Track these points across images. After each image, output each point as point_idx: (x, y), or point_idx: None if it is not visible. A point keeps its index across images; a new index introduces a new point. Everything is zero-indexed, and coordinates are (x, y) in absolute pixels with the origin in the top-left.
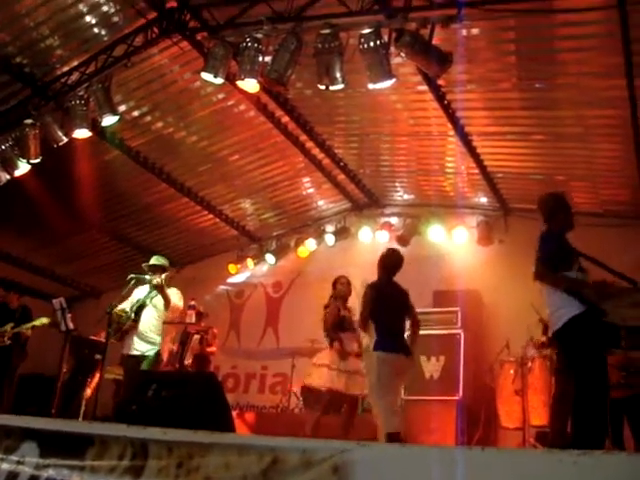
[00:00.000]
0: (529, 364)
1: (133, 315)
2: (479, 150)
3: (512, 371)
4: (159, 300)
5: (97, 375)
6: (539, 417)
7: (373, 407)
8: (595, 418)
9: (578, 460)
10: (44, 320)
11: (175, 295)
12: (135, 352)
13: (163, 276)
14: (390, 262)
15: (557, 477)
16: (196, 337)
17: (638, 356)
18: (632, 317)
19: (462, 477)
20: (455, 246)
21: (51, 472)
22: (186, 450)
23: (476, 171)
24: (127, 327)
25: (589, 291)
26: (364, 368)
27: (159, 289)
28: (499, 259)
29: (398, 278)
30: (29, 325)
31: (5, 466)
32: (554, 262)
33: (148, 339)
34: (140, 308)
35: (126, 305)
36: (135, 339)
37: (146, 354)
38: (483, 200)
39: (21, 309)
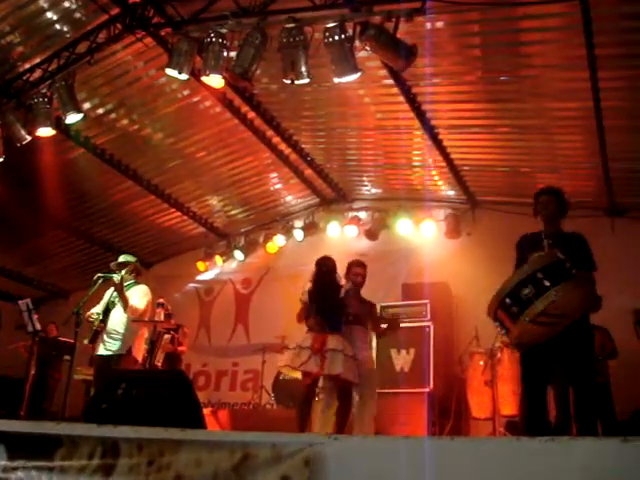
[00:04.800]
0: (498, 355)
1: (101, 316)
2: (445, 143)
3: (482, 362)
4: None
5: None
6: (509, 407)
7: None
8: (525, 409)
9: (546, 446)
10: None
11: (137, 294)
12: (106, 352)
13: (123, 272)
14: None
15: (526, 463)
16: (167, 337)
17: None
18: None
19: (432, 466)
20: (423, 239)
21: (20, 474)
22: (157, 447)
23: (443, 164)
24: (98, 328)
25: None
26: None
27: (116, 288)
28: (467, 251)
29: (369, 271)
30: None
31: None
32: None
33: (117, 336)
34: (109, 309)
35: (98, 308)
36: (105, 338)
37: (117, 353)
38: (450, 193)
39: None
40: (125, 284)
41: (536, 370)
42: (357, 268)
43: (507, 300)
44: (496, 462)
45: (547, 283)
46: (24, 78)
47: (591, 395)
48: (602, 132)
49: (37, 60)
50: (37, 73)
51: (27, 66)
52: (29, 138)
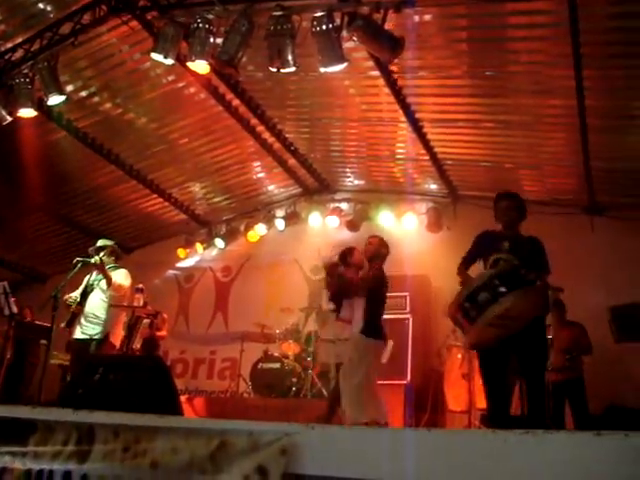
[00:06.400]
0: None
1: (79, 298)
2: (429, 136)
3: (459, 355)
4: (104, 282)
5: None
6: (485, 400)
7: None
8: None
9: (521, 439)
10: None
11: (120, 275)
12: (83, 336)
13: (101, 254)
14: None
15: (501, 456)
16: (146, 321)
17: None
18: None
19: (410, 457)
20: (404, 232)
21: None
22: (133, 434)
23: (426, 157)
24: (75, 311)
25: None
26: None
27: (98, 268)
28: (448, 245)
29: None
30: None
31: None
32: (465, 260)
33: (95, 320)
34: (87, 292)
35: (76, 292)
36: (82, 321)
37: (94, 337)
38: (433, 187)
39: None
40: (106, 267)
41: (495, 368)
42: (368, 239)
43: (466, 304)
44: (472, 454)
45: (503, 289)
46: (5, 57)
47: (541, 390)
48: (585, 130)
49: (19, 40)
50: (19, 53)
51: (9, 45)
52: (10, 119)
